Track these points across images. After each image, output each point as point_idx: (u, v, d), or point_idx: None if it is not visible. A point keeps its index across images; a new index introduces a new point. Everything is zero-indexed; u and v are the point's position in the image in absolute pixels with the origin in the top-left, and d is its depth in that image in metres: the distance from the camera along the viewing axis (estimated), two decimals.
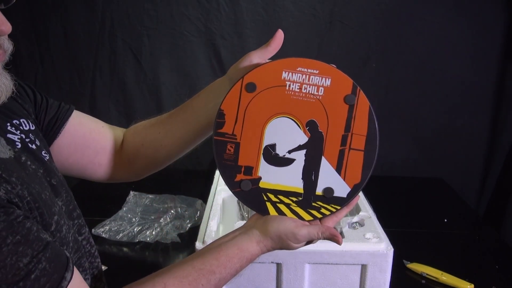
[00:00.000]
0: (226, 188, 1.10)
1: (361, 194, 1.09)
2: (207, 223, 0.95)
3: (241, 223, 0.95)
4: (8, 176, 0.51)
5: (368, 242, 0.88)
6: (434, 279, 1.01)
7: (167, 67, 1.66)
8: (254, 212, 0.69)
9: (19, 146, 0.61)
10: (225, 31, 1.61)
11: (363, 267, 0.87)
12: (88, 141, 0.76)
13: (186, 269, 0.60)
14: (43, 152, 0.65)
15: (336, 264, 0.87)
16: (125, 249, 1.15)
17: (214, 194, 1.10)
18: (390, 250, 0.86)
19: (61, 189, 0.65)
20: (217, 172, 1.23)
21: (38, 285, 0.47)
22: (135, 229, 1.20)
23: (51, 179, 0.63)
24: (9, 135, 0.61)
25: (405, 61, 1.65)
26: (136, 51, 1.64)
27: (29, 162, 0.60)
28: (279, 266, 0.88)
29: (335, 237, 0.63)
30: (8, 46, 0.53)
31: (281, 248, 0.65)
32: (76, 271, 0.53)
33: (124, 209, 1.28)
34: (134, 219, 1.24)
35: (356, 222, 0.97)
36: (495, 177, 1.73)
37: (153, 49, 1.64)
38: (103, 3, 1.59)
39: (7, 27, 0.51)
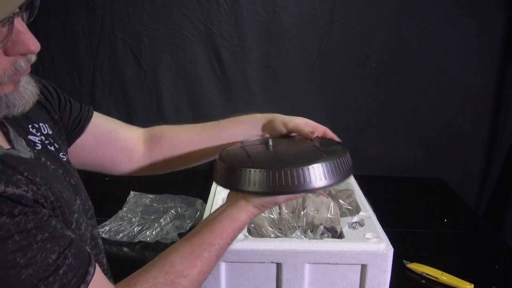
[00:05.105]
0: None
1: (361, 193, 1.09)
2: None
3: None
4: (33, 177, 0.53)
5: (368, 242, 0.88)
6: (434, 279, 1.01)
7: (167, 67, 1.66)
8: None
9: (39, 147, 0.64)
10: (225, 31, 1.61)
11: (363, 267, 0.87)
12: (109, 139, 0.83)
13: (187, 247, 0.64)
14: (61, 154, 0.69)
15: (336, 264, 0.87)
16: (125, 249, 1.15)
17: (214, 194, 1.10)
18: (390, 250, 0.86)
19: (80, 189, 0.68)
20: None
21: (66, 280, 0.50)
22: (135, 229, 1.20)
23: (70, 179, 0.66)
24: (30, 137, 0.64)
25: (405, 61, 1.65)
26: (136, 51, 1.64)
27: (48, 163, 0.63)
28: (279, 266, 0.88)
29: None
30: (34, 59, 0.56)
31: (265, 208, 0.69)
32: (97, 266, 0.55)
33: (124, 209, 1.28)
34: (134, 219, 1.24)
35: (356, 222, 0.97)
36: (495, 177, 1.73)
37: (153, 49, 1.64)
38: (103, 3, 1.59)
39: (36, 46, 0.52)
